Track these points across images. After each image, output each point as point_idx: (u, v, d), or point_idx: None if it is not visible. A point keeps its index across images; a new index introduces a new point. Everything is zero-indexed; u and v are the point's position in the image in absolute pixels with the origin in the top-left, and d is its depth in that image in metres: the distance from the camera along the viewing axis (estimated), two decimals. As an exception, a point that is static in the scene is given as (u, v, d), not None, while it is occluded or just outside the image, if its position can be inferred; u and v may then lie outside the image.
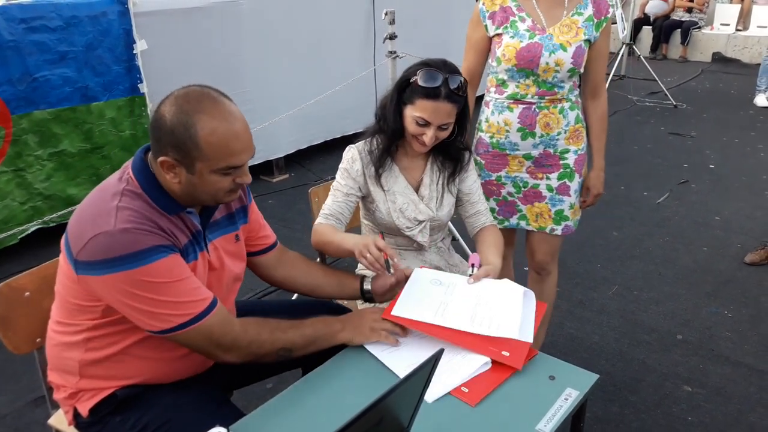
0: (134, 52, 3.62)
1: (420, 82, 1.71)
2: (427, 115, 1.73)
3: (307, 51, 4.74)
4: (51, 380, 1.47)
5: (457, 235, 3.18)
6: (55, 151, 3.47)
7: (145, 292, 1.25)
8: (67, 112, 3.46)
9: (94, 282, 1.26)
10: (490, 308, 1.56)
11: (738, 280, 3.30)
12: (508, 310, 1.54)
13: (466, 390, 1.38)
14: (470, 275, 1.70)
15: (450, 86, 1.71)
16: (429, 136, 1.76)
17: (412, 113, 1.76)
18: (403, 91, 1.78)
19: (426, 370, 1.12)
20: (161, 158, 1.28)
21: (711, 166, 5.08)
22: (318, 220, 1.87)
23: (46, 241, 3.42)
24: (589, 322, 2.94)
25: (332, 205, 1.87)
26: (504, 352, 1.43)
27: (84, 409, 1.40)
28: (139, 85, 3.70)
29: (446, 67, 1.75)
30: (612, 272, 3.40)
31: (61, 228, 3.48)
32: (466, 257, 2.04)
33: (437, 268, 1.98)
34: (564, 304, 3.02)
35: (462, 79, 1.75)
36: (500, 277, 2.37)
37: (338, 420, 0.89)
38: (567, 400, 1.34)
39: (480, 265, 1.76)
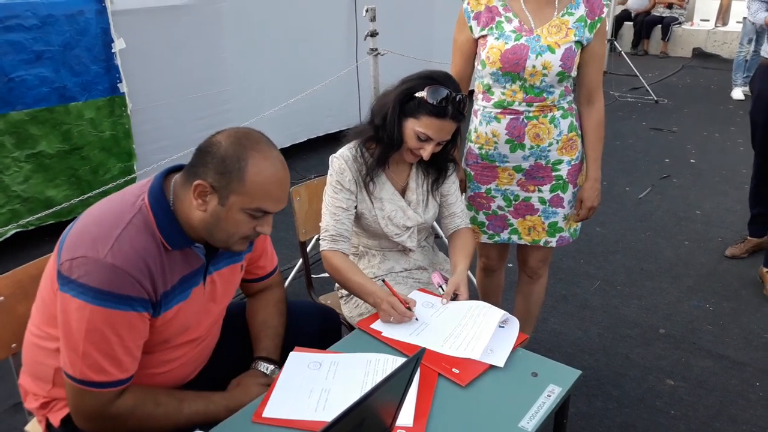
0: (113, 51, 3.57)
1: (428, 99, 1.68)
2: (432, 132, 1.72)
3: (289, 49, 4.71)
4: (22, 384, 1.44)
5: (441, 233, 3.17)
6: (33, 153, 3.41)
7: (80, 330, 1.21)
8: (44, 112, 3.40)
9: (58, 296, 1.24)
10: (466, 333, 1.55)
11: (719, 274, 3.34)
12: (480, 335, 1.52)
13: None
14: (442, 294, 1.71)
15: (456, 105, 1.69)
16: (428, 151, 1.75)
17: (415, 128, 1.73)
18: (406, 103, 1.74)
19: (408, 371, 1.11)
20: (198, 181, 1.26)
21: (692, 160, 5.13)
22: (326, 245, 1.82)
23: (25, 244, 3.37)
24: (572, 317, 2.95)
25: (336, 225, 1.82)
26: (454, 369, 1.42)
27: (56, 420, 1.38)
28: (118, 85, 3.65)
29: (451, 83, 1.73)
30: (595, 267, 3.42)
31: (40, 231, 3.47)
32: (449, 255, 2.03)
33: (421, 267, 1.99)
34: (547, 300, 3.02)
35: (463, 96, 1.72)
36: (490, 289, 2.42)
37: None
38: (550, 397, 1.34)
39: (445, 280, 1.76)
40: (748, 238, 3.52)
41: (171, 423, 1.31)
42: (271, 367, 1.52)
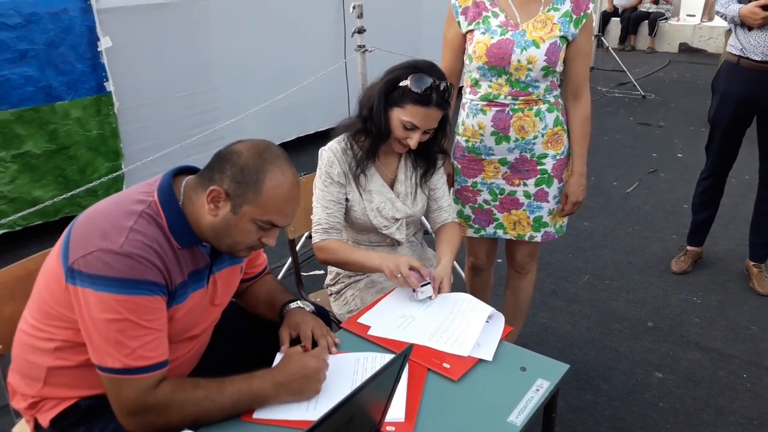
0: (99, 49, 3.55)
1: (412, 87, 1.69)
2: (418, 120, 1.73)
3: (276, 46, 4.69)
4: (11, 382, 1.42)
5: (429, 228, 3.17)
6: (19, 153, 3.39)
7: (107, 321, 1.20)
8: (30, 112, 3.37)
9: (75, 293, 1.22)
10: (454, 327, 1.55)
11: (706, 267, 3.36)
12: (468, 331, 1.52)
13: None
14: (424, 285, 1.69)
15: (441, 92, 1.70)
16: (415, 140, 1.76)
17: (400, 117, 1.74)
18: (390, 93, 1.75)
19: (395, 367, 1.11)
20: (214, 186, 1.28)
21: (679, 155, 5.16)
22: (319, 237, 1.83)
23: (12, 245, 3.34)
24: (561, 311, 2.97)
25: (328, 219, 1.84)
26: (445, 364, 1.42)
27: (45, 420, 1.36)
28: (105, 84, 3.63)
29: (435, 72, 1.74)
30: (583, 262, 3.44)
31: (27, 232, 3.44)
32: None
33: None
34: (536, 295, 3.04)
35: (448, 84, 1.74)
36: (478, 287, 2.42)
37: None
38: (538, 391, 1.34)
39: (431, 275, 1.75)
40: (688, 248, 3.35)
41: (215, 407, 1.26)
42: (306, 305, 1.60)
